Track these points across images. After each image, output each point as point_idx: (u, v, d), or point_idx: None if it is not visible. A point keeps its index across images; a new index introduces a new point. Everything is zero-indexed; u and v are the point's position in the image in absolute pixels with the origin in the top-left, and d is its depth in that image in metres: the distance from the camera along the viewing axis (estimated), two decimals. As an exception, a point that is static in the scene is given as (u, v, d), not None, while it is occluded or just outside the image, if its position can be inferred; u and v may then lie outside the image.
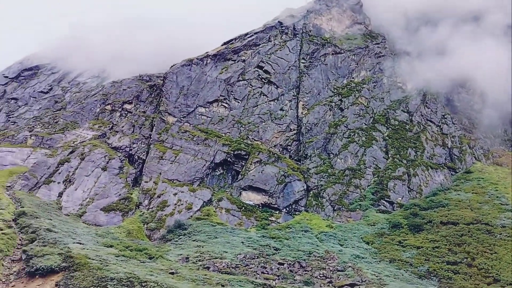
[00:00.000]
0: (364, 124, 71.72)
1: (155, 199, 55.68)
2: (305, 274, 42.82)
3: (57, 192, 53.68)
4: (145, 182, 57.80)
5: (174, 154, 61.13)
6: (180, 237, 49.57)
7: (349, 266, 44.98)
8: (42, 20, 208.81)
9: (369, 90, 77.84)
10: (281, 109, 68.92)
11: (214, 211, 55.86)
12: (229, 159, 62.61)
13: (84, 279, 31.47)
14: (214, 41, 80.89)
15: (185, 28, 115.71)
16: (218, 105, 67.40)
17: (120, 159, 60.20)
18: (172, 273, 36.21)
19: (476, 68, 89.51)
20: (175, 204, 55.39)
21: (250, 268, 42.21)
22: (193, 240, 48.35)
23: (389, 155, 68.50)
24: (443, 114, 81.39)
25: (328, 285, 40.61)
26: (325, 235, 52.60)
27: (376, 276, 43.49)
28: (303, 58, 75.20)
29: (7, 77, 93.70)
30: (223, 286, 35.32)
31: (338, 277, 42.56)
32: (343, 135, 68.63)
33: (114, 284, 30.91)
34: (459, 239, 51.14)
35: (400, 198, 62.37)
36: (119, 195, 55.08)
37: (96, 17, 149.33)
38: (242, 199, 58.69)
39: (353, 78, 78.43)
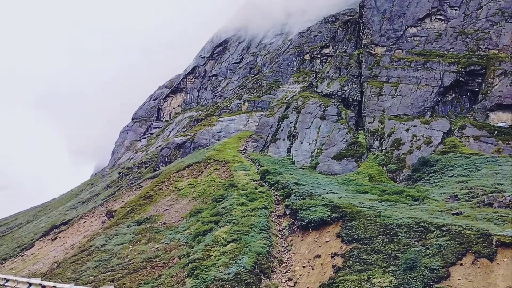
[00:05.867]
0: None
1: (386, 139, 50.07)
2: None
3: (285, 148, 53.45)
4: (369, 123, 52.67)
5: (393, 87, 54.01)
6: (431, 174, 42.85)
7: None
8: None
9: None
10: (519, 2, 53.60)
11: (459, 141, 47.11)
12: (460, 78, 52.11)
13: (366, 228, 28.14)
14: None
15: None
16: (431, 19, 56.58)
17: (335, 105, 56.54)
18: (457, 214, 30.04)
19: None
20: (410, 140, 48.69)
21: (549, 199, 32.67)
22: (450, 176, 41.00)
23: None
24: None
25: None
26: None
27: None
28: None
29: (204, 57, 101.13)
30: (534, 223, 27.36)
31: None
32: None
33: (405, 231, 26.57)
34: None
35: None
36: (346, 141, 51.48)
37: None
38: (492, 122, 48.02)
39: None
